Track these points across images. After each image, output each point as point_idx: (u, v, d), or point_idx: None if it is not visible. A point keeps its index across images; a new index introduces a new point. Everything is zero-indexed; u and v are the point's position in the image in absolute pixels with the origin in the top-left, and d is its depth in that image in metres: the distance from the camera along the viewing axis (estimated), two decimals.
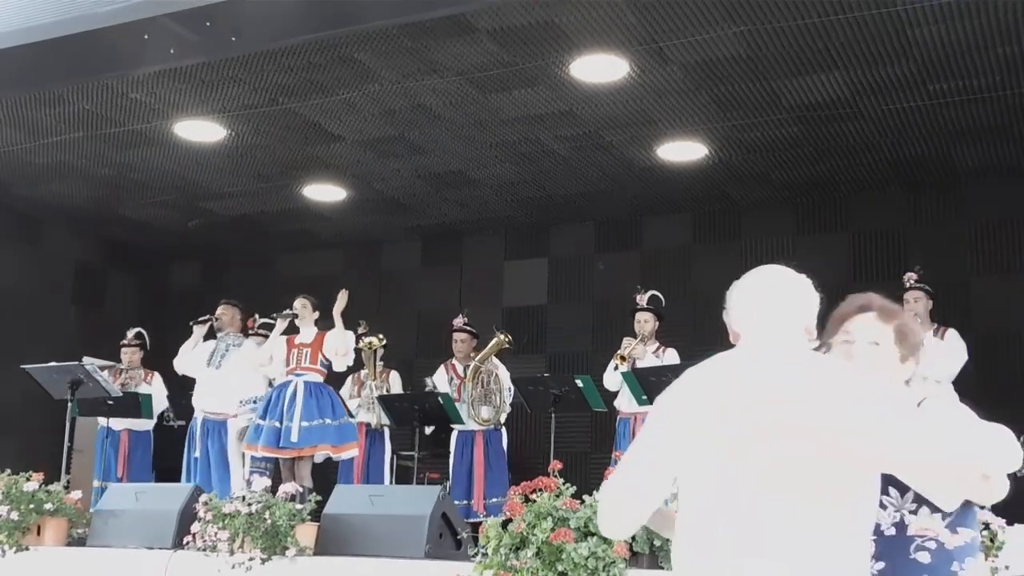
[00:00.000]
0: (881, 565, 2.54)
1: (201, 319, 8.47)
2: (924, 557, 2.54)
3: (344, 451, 7.78)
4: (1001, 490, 2.40)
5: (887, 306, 2.68)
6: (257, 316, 8.94)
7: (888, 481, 2.44)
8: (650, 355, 8.01)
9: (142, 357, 9.24)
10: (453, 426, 8.45)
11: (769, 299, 2.36)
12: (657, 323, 8.12)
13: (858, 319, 2.65)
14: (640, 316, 8.11)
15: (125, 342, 9.25)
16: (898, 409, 2.19)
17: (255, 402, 8.17)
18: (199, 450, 8.16)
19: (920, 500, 2.55)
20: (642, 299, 8.19)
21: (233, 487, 7.70)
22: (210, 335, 8.54)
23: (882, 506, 2.56)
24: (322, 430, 7.60)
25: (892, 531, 2.57)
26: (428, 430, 8.53)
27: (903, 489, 2.57)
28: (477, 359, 8.51)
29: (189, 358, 8.41)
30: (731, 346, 2.41)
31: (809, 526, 2.13)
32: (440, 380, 8.64)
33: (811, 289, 2.40)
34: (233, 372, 8.26)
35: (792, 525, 2.13)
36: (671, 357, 7.94)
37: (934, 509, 2.55)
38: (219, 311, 8.46)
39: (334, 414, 7.69)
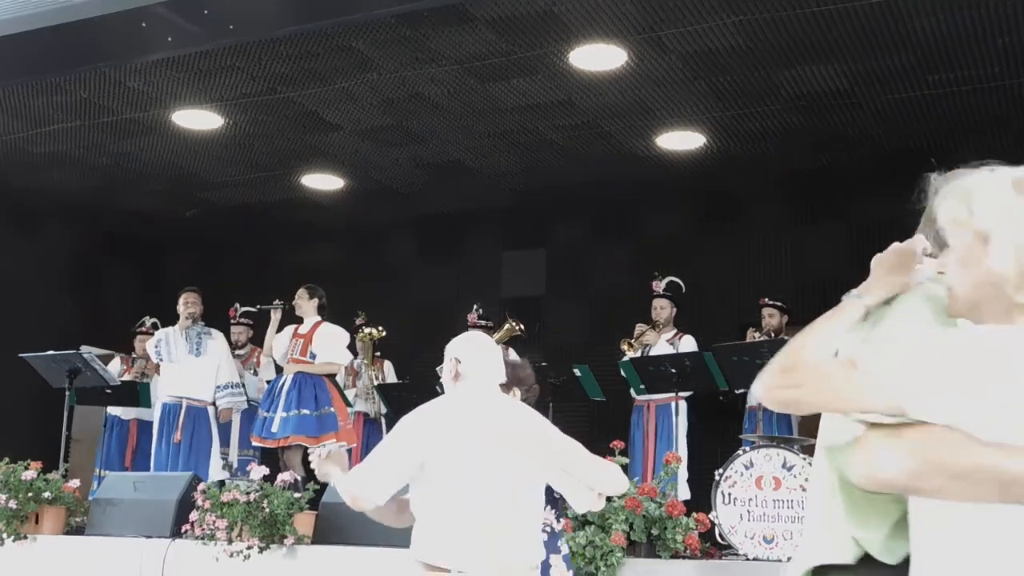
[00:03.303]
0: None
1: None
2: (545, 537, 3.84)
3: (323, 442, 7.68)
4: (600, 505, 3.68)
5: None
6: (238, 305, 8.93)
7: None
8: (664, 342, 7.99)
9: None
10: None
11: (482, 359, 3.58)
12: (674, 310, 8.15)
13: None
14: (657, 303, 8.14)
15: (142, 330, 9.23)
16: (549, 435, 3.54)
17: (232, 387, 8.25)
18: (180, 435, 8.12)
19: (548, 501, 3.86)
20: (659, 285, 8.20)
21: (212, 474, 7.79)
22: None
23: None
24: (299, 420, 7.57)
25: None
26: None
27: None
28: None
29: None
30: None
31: (507, 518, 3.29)
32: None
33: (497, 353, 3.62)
34: (211, 359, 8.24)
35: (496, 518, 3.26)
36: (687, 344, 7.92)
37: (546, 505, 3.86)
38: (189, 301, 8.26)
39: (316, 404, 7.65)
